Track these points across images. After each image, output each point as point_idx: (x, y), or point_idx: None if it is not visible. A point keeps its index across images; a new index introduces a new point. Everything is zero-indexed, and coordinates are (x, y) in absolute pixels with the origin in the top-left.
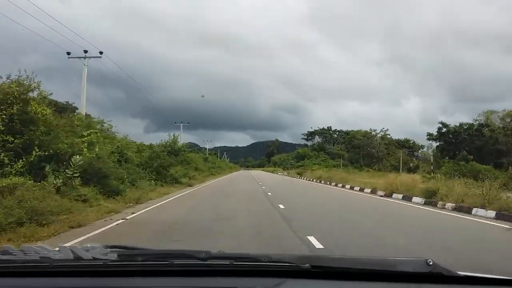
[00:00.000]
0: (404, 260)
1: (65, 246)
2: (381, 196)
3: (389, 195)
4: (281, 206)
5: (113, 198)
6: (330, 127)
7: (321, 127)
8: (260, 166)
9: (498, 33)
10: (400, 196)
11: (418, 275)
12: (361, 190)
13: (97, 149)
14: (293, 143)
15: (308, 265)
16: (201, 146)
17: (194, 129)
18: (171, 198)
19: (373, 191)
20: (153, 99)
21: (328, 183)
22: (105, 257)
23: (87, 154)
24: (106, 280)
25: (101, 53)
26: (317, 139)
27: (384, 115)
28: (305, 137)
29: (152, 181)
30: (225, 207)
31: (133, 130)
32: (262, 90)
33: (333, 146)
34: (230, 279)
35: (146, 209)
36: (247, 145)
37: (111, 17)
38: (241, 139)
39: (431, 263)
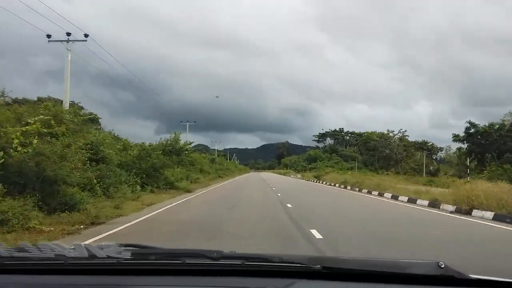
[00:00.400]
0: (415, 263)
1: (81, 244)
2: (451, 212)
3: (466, 212)
4: (316, 235)
5: (63, 213)
6: (342, 128)
7: (333, 129)
8: (270, 168)
9: (508, 36)
10: (489, 214)
11: (430, 277)
12: (411, 201)
13: (35, 142)
14: (303, 145)
15: (319, 266)
16: (210, 148)
17: (204, 131)
18: (152, 214)
19: (434, 205)
20: (161, 99)
21: (357, 189)
22: (119, 255)
23: (19, 149)
24: (120, 278)
25: (86, 36)
26: (329, 141)
27: (392, 118)
28: (316, 139)
29: (138, 186)
30: (225, 232)
31: (144, 132)
32: (271, 92)
33: (345, 148)
34: (242, 279)
35: (93, 239)
36: (257, 147)
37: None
38: (251, 141)
39: (443, 266)
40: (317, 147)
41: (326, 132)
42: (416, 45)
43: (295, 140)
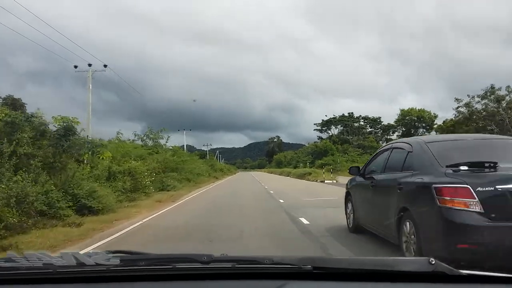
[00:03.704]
0: (406, 260)
1: (68, 253)
2: None
3: None
4: None
5: None
6: (352, 113)
7: (341, 114)
8: (259, 167)
9: (497, 25)
10: None
11: (421, 274)
12: None
13: None
14: (290, 142)
15: (309, 266)
16: (196, 148)
17: (191, 131)
18: None
19: None
20: (143, 98)
21: None
22: (108, 262)
23: None
24: (109, 285)
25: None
26: (333, 130)
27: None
28: (319, 127)
29: None
30: None
31: (129, 133)
32: (258, 89)
33: (358, 136)
34: (233, 282)
35: None
36: (244, 146)
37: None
38: (237, 140)
39: (433, 262)
40: (320, 138)
41: (331, 118)
42: (406, 35)
43: (283, 137)
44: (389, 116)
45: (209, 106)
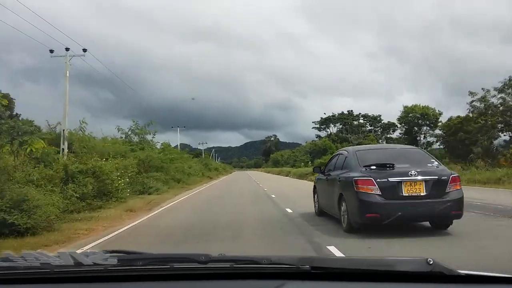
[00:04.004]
0: (404, 260)
1: (65, 252)
2: None
3: None
4: None
5: None
6: (352, 111)
7: (340, 112)
8: (256, 166)
9: (495, 23)
10: None
11: (419, 274)
12: None
13: None
14: (287, 141)
15: (308, 266)
16: (192, 147)
17: (187, 130)
18: None
19: None
20: (140, 97)
21: None
22: (105, 262)
23: None
24: (107, 285)
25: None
26: (332, 128)
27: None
28: (317, 125)
29: None
30: None
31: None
32: (255, 88)
33: (356, 134)
34: (230, 282)
35: None
36: (240, 145)
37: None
38: (234, 139)
39: (431, 262)
40: (319, 136)
41: (330, 116)
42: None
43: (280, 137)
44: (388, 115)
45: (206, 104)
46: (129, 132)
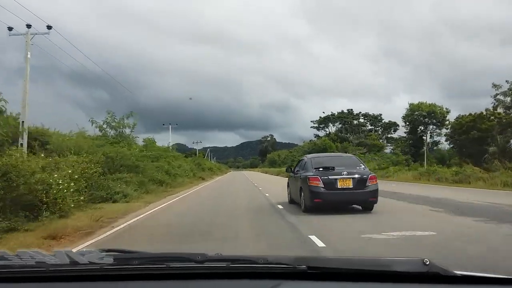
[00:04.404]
0: (400, 260)
1: (61, 251)
2: None
3: None
4: None
5: None
6: (352, 110)
7: (339, 111)
8: (252, 166)
9: (494, 26)
10: None
11: (415, 275)
12: None
13: None
14: (283, 141)
15: (304, 266)
16: (188, 147)
17: (183, 130)
18: None
19: None
20: (138, 97)
21: None
22: (101, 261)
23: None
24: (103, 284)
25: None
26: (331, 128)
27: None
28: (316, 125)
29: None
30: None
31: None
32: (252, 88)
33: (357, 134)
34: (227, 282)
35: None
36: (236, 145)
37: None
38: (230, 139)
39: (428, 263)
40: (317, 136)
41: (329, 115)
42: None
43: (276, 137)
44: (388, 116)
45: (203, 105)
46: (104, 126)
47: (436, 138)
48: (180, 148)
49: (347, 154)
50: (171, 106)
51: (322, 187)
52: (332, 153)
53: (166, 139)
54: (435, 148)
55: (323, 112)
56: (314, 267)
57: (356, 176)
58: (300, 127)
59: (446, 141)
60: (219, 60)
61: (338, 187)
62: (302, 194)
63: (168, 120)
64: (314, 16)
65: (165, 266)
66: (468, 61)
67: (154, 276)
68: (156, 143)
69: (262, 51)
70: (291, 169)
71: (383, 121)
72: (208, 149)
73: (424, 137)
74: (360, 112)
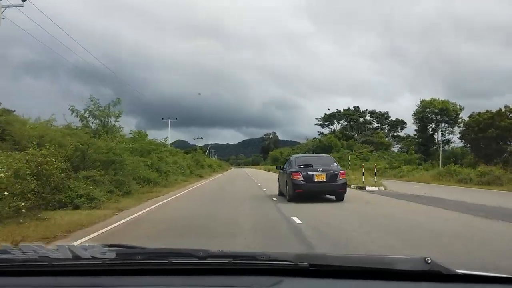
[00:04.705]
0: (402, 258)
1: (64, 245)
2: None
3: None
4: None
5: None
6: (358, 107)
7: (346, 108)
8: (253, 163)
9: (496, 25)
10: None
11: (416, 273)
12: None
13: None
14: (285, 140)
15: (306, 263)
16: (190, 144)
17: (185, 127)
18: None
19: None
20: (139, 93)
21: None
22: (104, 256)
23: None
24: (105, 279)
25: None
26: (336, 126)
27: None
28: (321, 122)
29: None
30: None
31: (126, 128)
32: (254, 85)
33: (362, 132)
34: (228, 278)
35: None
36: (238, 142)
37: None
38: (232, 136)
39: (429, 261)
40: (322, 133)
41: (335, 112)
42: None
43: (278, 135)
44: (393, 114)
45: (206, 102)
46: (86, 115)
47: (448, 136)
48: (182, 145)
49: (325, 155)
50: (173, 102)
51: (302, 180)
52: (313, 154)
53: (166, 135)
54: (445, 146)
55: (328, 109)
56: (316, 264)
57: (329, 172)
58: (302, 125)
59: (459, 139)
60: (220, 56)
61: (315, 180)
62: (287, 186)
63: (170, 117)
64: (317, 14)
65: (167, 261)
66: (470, 61)
67: (156, 272)
68: (148, 136)
69: (265, 48)
70: (281, 167)
71: (389, 119)
72: (209, 146)
73: (435, 135)
74: (366, 110)
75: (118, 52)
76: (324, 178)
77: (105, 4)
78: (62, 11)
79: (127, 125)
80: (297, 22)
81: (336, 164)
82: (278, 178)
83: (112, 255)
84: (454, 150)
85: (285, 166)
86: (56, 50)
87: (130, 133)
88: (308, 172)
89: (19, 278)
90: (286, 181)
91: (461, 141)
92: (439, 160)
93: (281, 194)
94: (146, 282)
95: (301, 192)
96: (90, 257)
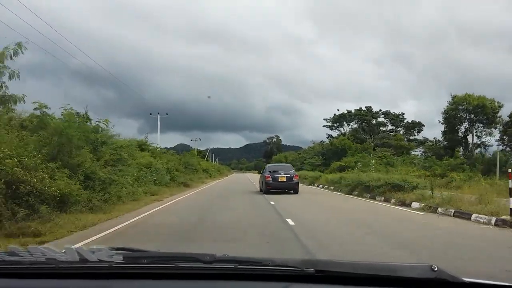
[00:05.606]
0: (408, 266)
1: (71, 248)
2: None
3: None
4: None
5: None
6: (371, 107)
7: (357, 108)
8: (256, 168)
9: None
10: None
11: (423, 281)
12: None
13: None
14: (288, 145)
15: (312, 269)
16: (191, 147)
17: (188, 131)
18: None
19: None
20: (142, 96)
21: None
22: (111, 259)
23: None
24: (112, 282)
25: None
26: (346, 128)
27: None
28: (329, 124)
29: None
30: None
31: (129, 131)
32: (257, 90)
33: (380, 134)
34: (234, 283)
35: None
36: (240, 147)
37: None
38: (234, 141)
39: (436, 269)
40: (330, 136)
41: (345, 113)
42: (409, 40)
43: (281, 140)
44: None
45: (208, 106)
46: None
47: (484, 139)
48: (183, 148)
49: (286, 164)
50: (176, 107)
51: (271, 180)
52: (279, 163)
53: (171, 139)
54: (477, 150)
55: (338, 110)
56: (322, 270)
57: (287, 175)
58: (305, 130)
59: (499, 141)
60: (222, 61)
61: (279, 180)
62: (263, 184)
63: (172, 120)
64: (321, 19)
65: (173, 265)
66: (475, 66)
67: (163, 276)
68: (91, 120)
69: (267, 53)
70: (261, 171)
71: (405, 121)
72: (209, 149)
73: (468, 136)
74: (380, 110)
75: (120, 55)
76: (284, 179)
77: (116, 14)
78: (68, 13)
79: (130, 128)
80: (302, 27)
81: (293, 170)
82: (259, 179)
83: (119, 259)
84: (493, 155)
85: (262, 171)
86: (55, 55)
87: (61, 116)
88: (275, 175)
89: (27, 280)
90: (262, 181)
91: (502, 144)
92: (475, 167)
93: (260, 190)
94: (152, 286)
95: (270, 188)
96: (97, 260)
